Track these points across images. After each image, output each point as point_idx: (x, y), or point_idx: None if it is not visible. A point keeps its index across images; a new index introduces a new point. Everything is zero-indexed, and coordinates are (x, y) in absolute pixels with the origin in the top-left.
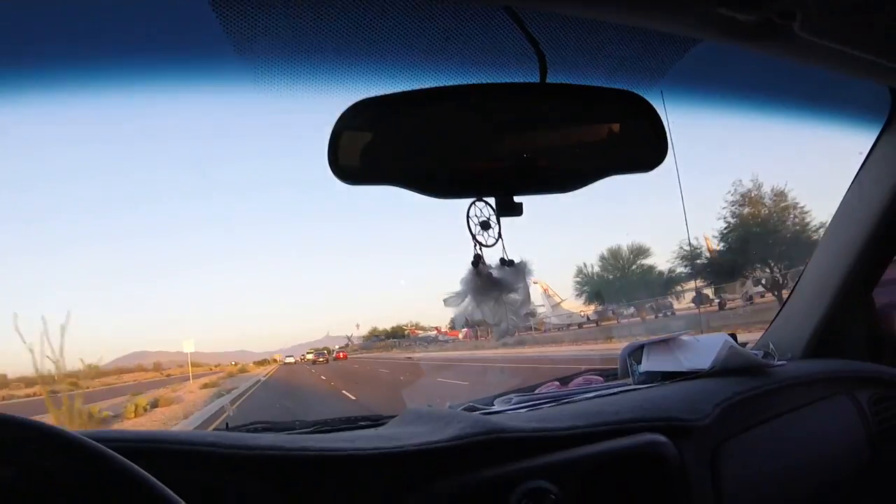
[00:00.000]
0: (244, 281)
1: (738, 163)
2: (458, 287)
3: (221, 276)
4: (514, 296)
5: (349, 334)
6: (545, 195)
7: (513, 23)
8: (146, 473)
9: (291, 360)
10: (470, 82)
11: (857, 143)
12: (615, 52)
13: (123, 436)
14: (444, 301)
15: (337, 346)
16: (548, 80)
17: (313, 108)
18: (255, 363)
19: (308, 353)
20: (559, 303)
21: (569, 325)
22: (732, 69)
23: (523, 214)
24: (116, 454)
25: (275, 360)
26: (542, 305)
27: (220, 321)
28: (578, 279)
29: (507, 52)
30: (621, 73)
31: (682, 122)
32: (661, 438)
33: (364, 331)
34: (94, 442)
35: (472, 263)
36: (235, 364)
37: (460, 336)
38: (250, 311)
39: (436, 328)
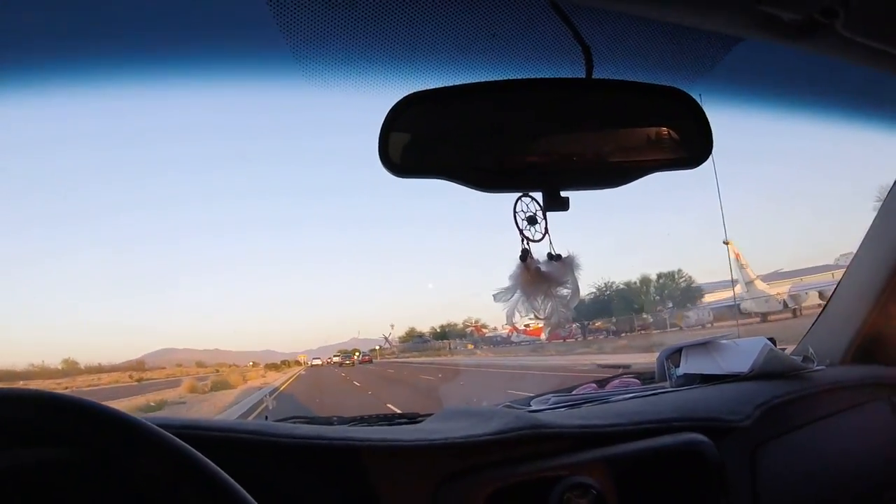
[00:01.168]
0: (274, 280)
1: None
2: (506, 283)
3: (252, 275)
4: (563, 290)
5: (386, 334)
6: (591, 190)
7: (558, 18)
8: (206, 459)
9: (318, 361)
10: (516, 77)
11: None
12: (658, 49)
13: (167, 421)
14: (494, 296)
15: (377, 347)
16: (593, 76)
17: (358, 105)
18: (265, 366)
19: (335, 355)
20: (753, 279)
21: (765, 315)
22: (773, 69)
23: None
24: (173, 436)
25: (297, 363)
26: (732, 282)
27: (248, 320)
28: None
29: (552, 48)
30: (664, 71)
31: (722, 121)
32: (703, 438)
33: (400, 331)
34: (152, 425)
35: (520, 258)
36: (221, 368)
37: (543, 336)
38: (278, 311)
39: (511, 326)
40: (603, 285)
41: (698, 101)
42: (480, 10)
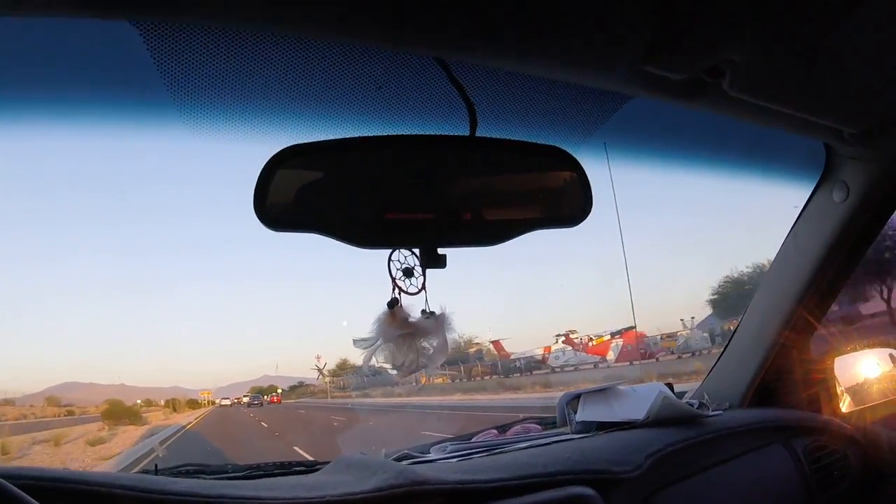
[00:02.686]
0: (183, 315)
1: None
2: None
3: (162, 309)
4: (428, 343)
5: (320, 365)
6: (470, 248)
7: (444, 74)
8: None
9: (227, 402)
10: (399, 132)
11: (796, 197)
12: (546, 107)
13: (34, 473)
14: (354, 342)
15: (315, 382)
16: (477, 133)
17: (242, 152)
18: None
19: (245, 395)
20: None
21: None
22: (671, 123)
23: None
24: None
25: (195, 404)
26: None
27: (155, 355)
28: None
29: (437, 104)
30: (553, 128)
31: (622, 176)
32: (589, 491)
33: (331, 363)
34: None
35: (388, 305)
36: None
37: (610, 355)
38: (188, 347)
39: (566, 337)
40: None
41: (589, 158)
42: (367, 62)
